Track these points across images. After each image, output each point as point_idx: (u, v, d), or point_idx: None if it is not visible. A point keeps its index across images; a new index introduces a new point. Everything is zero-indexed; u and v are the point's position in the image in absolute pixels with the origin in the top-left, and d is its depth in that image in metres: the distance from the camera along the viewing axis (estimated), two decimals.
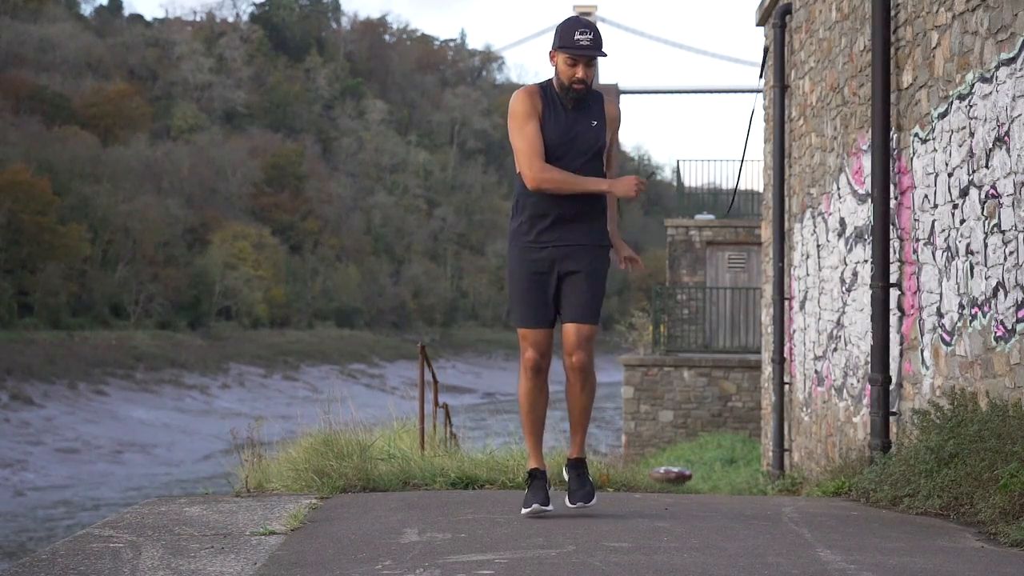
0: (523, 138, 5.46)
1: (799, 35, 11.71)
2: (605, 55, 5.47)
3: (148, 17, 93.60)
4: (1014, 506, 5.46)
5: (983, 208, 6.71)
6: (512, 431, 9.27)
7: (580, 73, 5.42)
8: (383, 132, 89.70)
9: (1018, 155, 6.23)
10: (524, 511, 5.53)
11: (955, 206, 7.15)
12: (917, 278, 7.86)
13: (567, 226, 5.48)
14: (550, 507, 5.52)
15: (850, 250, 9.54)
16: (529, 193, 5.50)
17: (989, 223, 6.62)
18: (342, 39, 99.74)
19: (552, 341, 5.53)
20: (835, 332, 10.06)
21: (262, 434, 8.65)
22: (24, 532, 26.03)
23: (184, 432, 43.60)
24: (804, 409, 11.41)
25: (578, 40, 5.39)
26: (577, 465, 5.63)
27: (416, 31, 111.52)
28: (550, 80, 5.57)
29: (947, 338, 7.28)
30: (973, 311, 6.84)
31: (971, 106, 6.89)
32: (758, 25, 13.86)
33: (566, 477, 5.68)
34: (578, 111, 5.51)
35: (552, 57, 5.48)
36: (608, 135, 5.58)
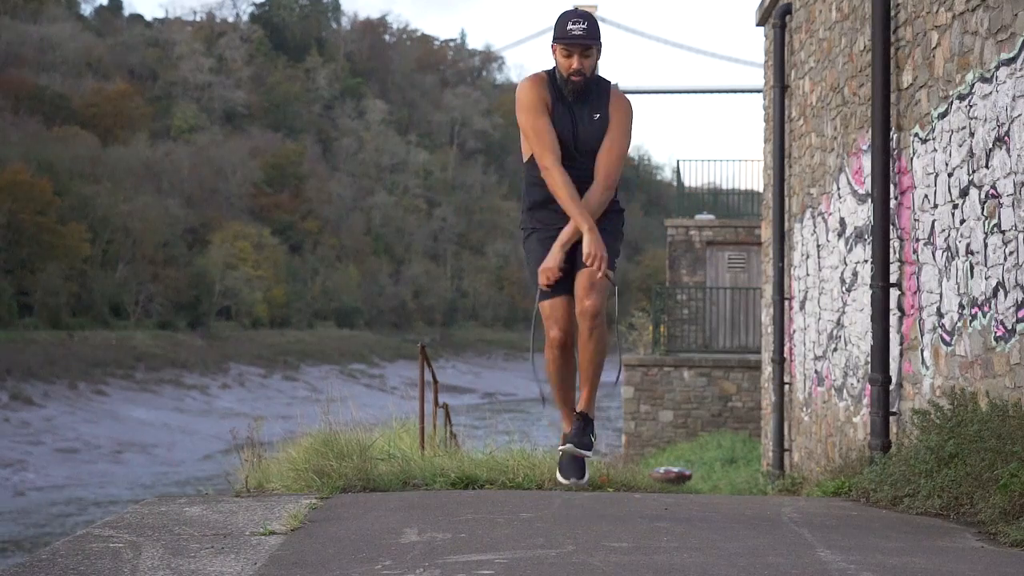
0: (535, 132, 5.43)
1: (799, 35, 11.71)
2: (599, 43, 5.42)
3: (148, 17, 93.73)
4: (1014, 506, 5.46)
5: (983, 208, 6.71)
6: (513, 430, 9.27)
7: (576, 63, 5.39)
8: (383, 132, 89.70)
9: (1018, 155, 6.23)
10: (560, 479, 5.51)
11: (955, 206, 7.15)
12: (917, 278, 7.86)
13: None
14: (585, 480, 5.51)
15: (850, 250, 9.54)
16: (540, 189, 5.49)
17: (989, 223, 6.62)
18: (342, 39, 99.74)
19: (571, 310, 5.45)
20: (835, 332, 10.06)
21: (262, 434, 8.64)
22: (24, 532, 26.04)
23: (184, 432, 43.60)
24: (804, 409, 11.41)
25: (571, 30, 5.38)
26: (581, 417, 5.57)
27: (416, 31, 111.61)
28: (554, 69, 5.52)
29: (947, 338, 7.28)
30: (973, 311, 6.84)
31: (971, 106, 6.89)
32: (758, 25, 13.86)
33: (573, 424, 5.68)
34: (581, 104, 5.47)
35: (553, 51, 5.48)
36: (608, 127, 5.47)
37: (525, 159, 5.56)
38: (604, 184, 5.44)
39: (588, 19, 5.44)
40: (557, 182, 5.36)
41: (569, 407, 5.62)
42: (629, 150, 5.55)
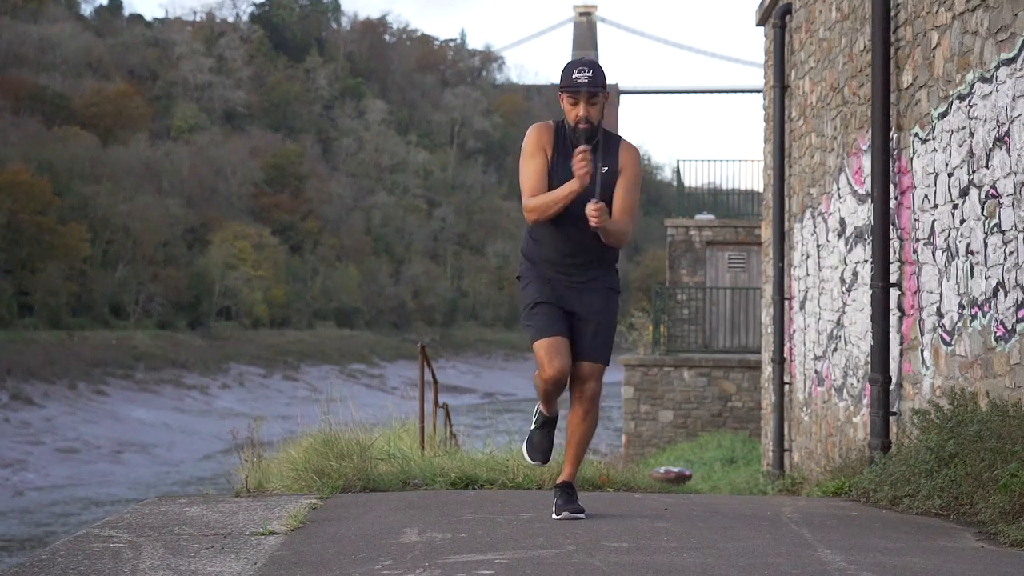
0: (524, 174, 5.51)
1: (799, 35, 11.71)
2: (604, 90, 5.45)
3: (148, 17, 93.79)
4: (1014, 506, 5.46)
5: (983, 208, 6.71)
6: (515, 430, 9.27)
7: (582, 111, 5.40)
8: (383, 132, 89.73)
9: (1018, 155, 6.23)
10: (528, 459, 5.83)
11: (955, 206, 7.15)
12: (917, 278, 7.86)
13: (580, 269, 5.49)
14: (547, 463, 5.87)
15: (850, 250, 9.54)
16: (542, 237, 5.51)
17: (989, 223, 6.62)
18: (342, 39, 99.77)
19: (568, 353, 5.46)
20: (835, 332, 10.06)
21: (262, 434, 8.64)
22: (32, 531, 26.05)
23: (184, 432, 43.60)
24: (804, 409, 11.42)
25: (576, 78, 5.41)
26: (566, 488, 5.63)
27: (416, 31, 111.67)
28: (564, 120, 5.56)
29: (947, 338, 7.28)
30: (973, 311, 6.84)
31: (971, 106, 6.89)
32: (758, 25, 13.86)
33: (554, 495, 5.70)
34: (590, 155, 5.44)
35: (560, 100, 5.50)
36: (619, 178, 5.47)
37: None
38: (621, 224, 5.43)
39: (594, 67, 5.46)
40: (542, 200, 5.40)
41: (552, 403, 5.73)
42: (638, 202, 5.58)
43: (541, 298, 5.49)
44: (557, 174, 5.45)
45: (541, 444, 5.77)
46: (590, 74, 5.42)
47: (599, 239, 5.46)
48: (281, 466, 7.53)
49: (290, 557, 4.66)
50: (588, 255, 5.49)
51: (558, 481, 5.69)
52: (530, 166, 5.48)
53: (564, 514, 5.53)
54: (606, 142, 5.52)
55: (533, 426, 5.81)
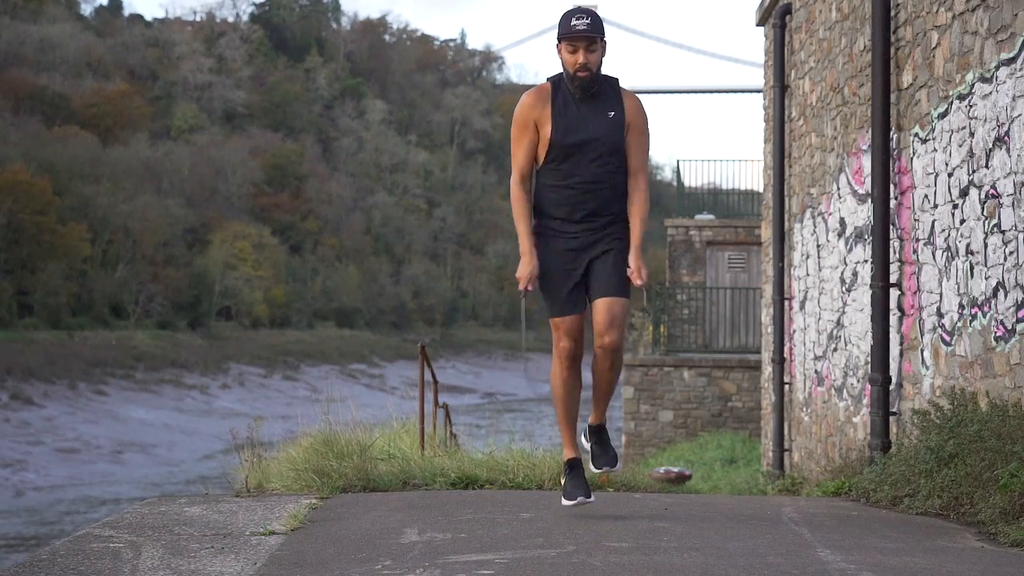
0: (513, 151, 5.54)
1: (799, 35, 11.71)
2: (603, 37, 5.45)
3: (148, 17, 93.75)
4: (1014, 506, 5.46)
5: (983, 208, 6.71)
6: (516, 429, 9.27)
7: (581, 58, 5.39)
8: (383, 132, 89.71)
9: (1018, 155, 6.23)
10: (567, 503, 5.54)
11: (955, 206, 7.15)
12: (917, 278, 7.86)
13: (594, 219, 5.46)
14: (592, 499, 5.57)
15: (850, 250, 9.54)
16: (552, 193, 5.50)
17: (989, 223, 6.62)
18: (342, 39, 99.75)
19: (584, 327, 5.50)
20: (835, 332, 10.06)
21: (262, 434, 8.64)
22: (39, 529, 26.06)
23: (184, 432, 43.60)
24: (804, 409, 11.42)
25: (574, 25, 5.40)
26: (598, 431, 5.67)
27: (416, 31, 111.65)
28: (561, 74, 5.53)
29: (947, 338, 7.28)
30: (973, 311, 6.84)
31: (971, 106, 6.89)
32: (758, 25, 13.86)
33: (586, 444, 5.70)
34: (591, 103, 5.46)
35: (559, 51, 5.49)
36: (630, 132, 5.48)
37: (538, 164, 5.56)
38: (644, 189, 5.52)
39: (591, 15, 5.46)
40: (514, 202, 5.50)
41: (572, 430, 5.61)
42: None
43: (557, 272, 5.45)
44: (559, 128, 5.43)
45: (578, 485, 5.54)
46: (588, 21, 5.41)
47: (609, 187, 5.45)
48: (281, 466, 7.53)
49: (290, 557, 4.66)
50: (599, 202, 5.45)
51: (590, 422, 5.67)
52: (518, 145, 5.51)
53: (605, 468, 5.61)
54: (605, 87, 5.51)
55: (563, 478, 5.64)
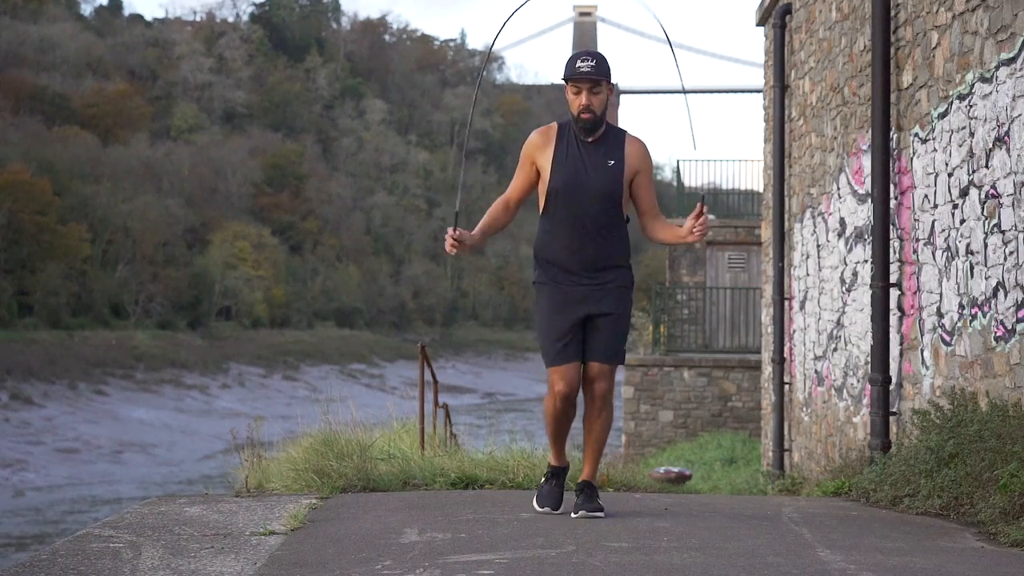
0: (512, 180, 5.67)
1: (799, 35, 11.71)
2: (607, 80, 5.48)
3: (148, 17, 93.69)
4: (1014, 506, 5.46)
5: (983, 208, 6.71)
6: (517, 429, 9.27)
7: (584, 100, 5.43)
8: (383, 132, 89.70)
9: (1018, 155, 6.23)
10: (536, 507, 5.67)
11: (955, 206, 7.15)
12: (917, 278, 7.85)
13: (592, 269, 5.48)
14: (559, 511, 5.64)
15: (850, 250, 9.54)
16: (551, 237, 5.53)
17: (989, 223, 6.62)
18: (342, 39, 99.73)
19: (580, 373, 5.53)
20: (835, 332, 10.06)
21: (262, 434, 8.64)
22: (45, 528, 26.07)
23: (184, 432, 43.60)
24: (804, 409, 11.41)
25: (579, 67, 5.45)
26: (587, 486, 5.65)
27: (416, 31, 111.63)
28: (570, 119, 5.58)
29: (947, 338, 7.27)
30: (973, 311, 6.84)
31: (971, 106, 6.89)
32: (758, 25, 13.86)
33: (575, 493, 5.71)
34: (594, 149, 5.48)
35: (566, 92, 5.53)
36: (632, 175, 5.51)
37: (540, 209, 5.61)
38: (663, 224, 5.64)
39: (597, 57, 5.50)
40: (489, 210, 5.67)
41: (561, 444, 5.67)
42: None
43: (555, 322, 5.47)
44: (561, 168, 5.48)
45: (551, 493, 5.67)
46: (593, 64, 5.45)
47: (608, 236, 5.47)
48: (281, 466, 7.53)
49: (290, 557, 4.66)
50: (597, 251, 5.48)
51: (579, 480, 5.69)
52: (516, 175, 5.66)
53: (582, 512, 5.54)
54: (612, 136, 5.54)
55: (543, 480, 5.75)
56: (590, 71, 5.43)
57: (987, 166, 6.65)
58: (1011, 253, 6.32)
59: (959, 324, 7.07)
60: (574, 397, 5.52)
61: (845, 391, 9.68)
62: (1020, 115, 6.20)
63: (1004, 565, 4.65)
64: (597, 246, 5.47)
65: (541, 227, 5.58)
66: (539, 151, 5.54)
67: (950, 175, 7.24)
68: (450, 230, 5.52)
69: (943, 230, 7.35)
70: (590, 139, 5.50)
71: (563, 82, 5.51)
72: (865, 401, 8.89)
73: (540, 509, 5.65)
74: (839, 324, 9.91)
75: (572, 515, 5.59)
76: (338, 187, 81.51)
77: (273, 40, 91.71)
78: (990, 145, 6.61)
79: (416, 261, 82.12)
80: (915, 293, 7.90)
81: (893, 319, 8.24)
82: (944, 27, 7.33)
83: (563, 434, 5.65)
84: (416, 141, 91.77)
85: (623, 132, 5.58)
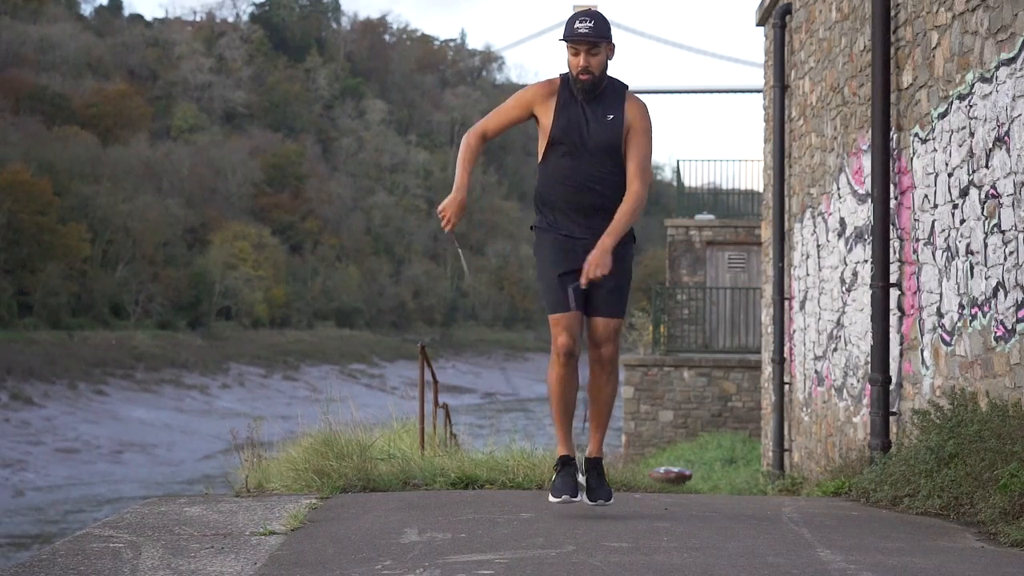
0: (493, 113, 5.59)
1: (799, 35, 11.71)
2: (607, 40, 5.44)
3: (148, 17, 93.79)
4: (1014, 506, 5.46)
5: (983, 208, 6.71)
6: (518, 429, 9.27)
7: (583, 61, 5.41)
8: (383, 132, 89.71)
9: (1018, 155, 6.23)
10: (553, 500, 5.52)
11: (955, 206, 7.15)
12: (917, 278, 7.86)
13: (591, 217, 5.45)
14: (579, 498, 5.53)
15: (850, 250, 9.54)
16: (550, 188, 5.51)
17: (989, 223, 6.62)
18: (342, 39, 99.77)
19: (582, 326, 5.48)
20: (835, 332, 10.06)
21: (262, 434, 8.64)
22: (48, 528, 26.09)
23: (184, 432, 43.60)
24: (804, 409, 11.41)
25: (577, 28, 5.41)
26: (595, 464, 5.62)
27: (416, 31, 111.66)
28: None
29: (947, 338, 7.28)
30: (973, 311, 6.84)
31: (971, 106, 6.89)
32: (758, 25, 13.86)
33: (582, 477, 5.66)
34: (595, 105, 5.46)
35: (567, 51, 5.50)
36: (630, 134, 5.46)
37: (539, 158, 5.57)
38: (640, 193, 5.45)
39: (596, 18, 5.45)
40: (462, 149, 5.51)
41: (567, 427, 5.58)
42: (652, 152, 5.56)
43: (556, 268, 5.43)
44: (558, 124, 5.46)
45: (566, 482, 5.53)
46: (591, 24, 5.41)
47: (606, 188, 5.44)
48: (281, 466, 7.53)
49: (290, 557, 4.66)
50: (595, 202, 5.44)
51: (587, 454, 5.63)
52: (501, 111, 5.57)
53: (600, 501, 5.52)
54: (610, 91, 5.51)
55: (553, 473, 5.64)
56: (588, 32, 5.39)
57: (987, 166, 6.65)
58: (1011, 253, 6.32)
59: (959, 324, 7.07)
60: (577, 353, 5.44)
61: (845, 391, 9.68)
62: (1020, 115, 6.20)
63: (1004, 565, 4.65)
64: (596, 195, 5.44)
65: (541, 176, 5.55)
66: (541, 102, 5.51)
67: (950, 175, 7.24)
68: (441, 208, 5.46)
69: (943, 230, 7.35)
70: (590, 96, 5.47)
71: (563, 42, 5.46)
72: (865, 401, 8.89)
73: (558, 500, 5.50)
74: (839, 324, 9.91)
75: (585, 501, 5.54)
76: (338, 187, 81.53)
77: (273, 40, 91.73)
78: (990, 145, 6.61)
79: (416, 261, 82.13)
80: (915, 293, 7.90)
81: (893, 319, 8.24)
82: (944, 27, 7.33)
83: (569, 410, 5.54)
84: (416, 141, 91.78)
85: (624, 88, 5.54)
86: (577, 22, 5.42)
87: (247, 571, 4.42)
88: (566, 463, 5.57)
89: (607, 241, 5.35)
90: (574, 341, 5.43)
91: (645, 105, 5.55)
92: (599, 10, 5.75)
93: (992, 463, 5.79)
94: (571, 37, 5.41)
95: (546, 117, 5.49)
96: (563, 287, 5.41)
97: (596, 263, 5.31)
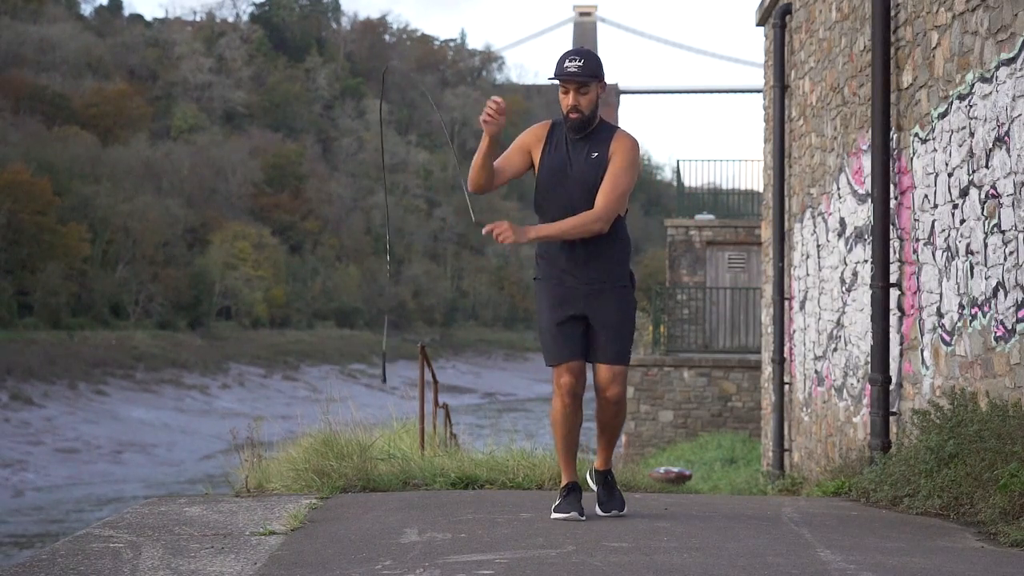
0: (504, 153, 5.54)
1: (799, 35, 11.71)
2: (595, 79, 5.37)
3: (148, 17, 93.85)
4: (1014, 506, 5.46)
5: (983, 208, 6.71)
6: (518, 429, 9.27)
7: (571, 100, 5.36)
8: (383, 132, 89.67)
9: (1018, 155, 6.23)
10: (556, 516, 5.43)
11: (955, 206, 7.15)
12: (917, 278, 7.86)
13: (590, 266, 5.40)
14: (584, 518, 5.46)
15: (850, 250, 9.55)
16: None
17: (989, 223, 6.62)
18: (342, 39, 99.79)
19: (585, 367, 5.45)
20: (835, 332, 10.06)
21: (262, 434, 8.64)
22: (50, 527, 26.09)
23: (184, 432, 43.61)
24: (804, 409, 11.42)
25: (566, 67, 5.35)
26: (605, 475, 5.63)
27: (416, 31, 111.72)
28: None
29: (947, 338, 7.28)
30: (973, 311, 6.84)
31: (971, 106, 6.89)
32: (758, 25, 13.86)
33: (592, 486, 5.65)
34: (582, 144, 5.42)
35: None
36: (608, 164, 5.38)
37: (535, 207, 5.56)
38: (593, 214, 5.33)
39: (586, 56, 5.40)
40: (474, 162, 5.52)
41: (571, 457, 5.52)
42: (631, 187, 5.43)
43: (555, 317, 5.39)
44: (543, 166, 5.44)
45: (572, 505, 5.44)
46: (580, 63, 5.35)
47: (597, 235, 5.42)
48: (281, 466, 7.53)
49: (290, 557, 4.66)
50: (587, 245, 5.39)
51: (596, 466, 5.63)
52: (508, 151, 5.52)
53: (613, 512, 5.54)
54: (601, 131, 5.46)
55: (559, 498, 5.52)
56: (577, 71, 5.33)
57: (987, 166, 6.65)
58: (1011, 253, 6.32)
59: (959, 324, 7.07)
60: (580, 392, 5.43)
61: (845, 391, 9.68)
62: (1020, 115, 6.21)
63: (1004, 565, 4.65)
64: (587, 241, 5.39)
65: (539, 221, 5.53)
66: (534, 145, 5.51)
67: (950, 175, 7.24)
68: (493, 101, 5.25)
69: (943, 230, 7.35)
70: (579, 136, 5.45)
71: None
72: (865, 401, 8.89)
73: (563, 516, 5.42)
74: (839, 324, 9.92)
75: (598, 511, 5.54)
76: (338, 187, 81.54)
77: (273, 40, 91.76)
78: (990, 145, 6.61)
79: (416, 261, 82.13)
80: (915, 293, 7.90)
81: (893, 319, 8.24)
82: (944, 27, 7.33)
83: (573, 445, 5.51)
84: (416, 141, 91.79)
85: (615, 129, 5.50)
86: (567, 61, 5.36)
87: (247, 571, 4.42)
88: (571, 490, 5.51)
89: (529, 229, 5.32)
90: (576, 380, 5.39)
91: (634, 141, 5.46)
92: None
93: (992, 463, 5.79)
94: (560, 76, 5.36)
95: (536, 159, 5.49)
96: (562, 336, 5.37)
97: (502, 227, 5.26)
